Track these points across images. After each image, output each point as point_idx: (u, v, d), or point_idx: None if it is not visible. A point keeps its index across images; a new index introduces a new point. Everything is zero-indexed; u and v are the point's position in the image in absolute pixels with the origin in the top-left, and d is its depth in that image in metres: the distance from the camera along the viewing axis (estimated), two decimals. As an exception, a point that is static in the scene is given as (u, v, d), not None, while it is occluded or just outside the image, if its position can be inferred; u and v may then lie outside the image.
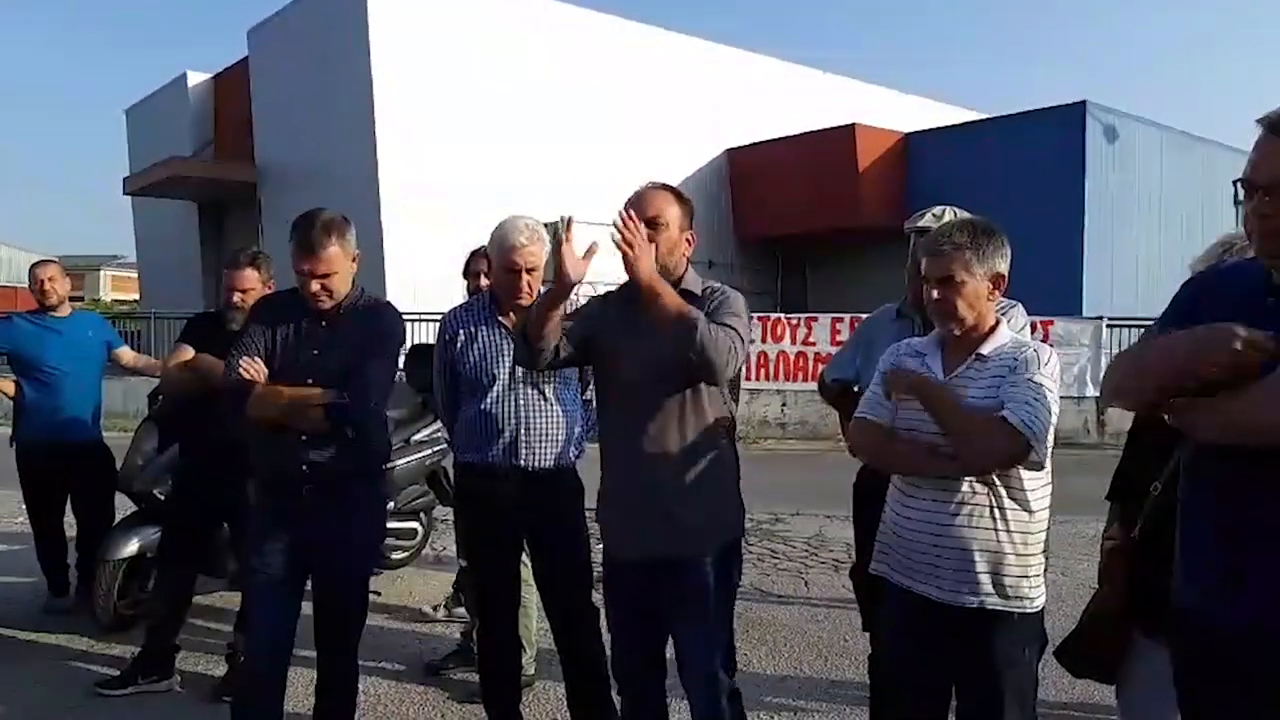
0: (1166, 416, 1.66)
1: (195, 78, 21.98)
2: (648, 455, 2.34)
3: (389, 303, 2.92)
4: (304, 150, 17.68)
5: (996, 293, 2.14)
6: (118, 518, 4.50)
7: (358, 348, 2.75)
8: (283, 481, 2.78)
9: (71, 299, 4.83)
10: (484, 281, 3.49)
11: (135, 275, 28.25)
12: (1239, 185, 1.58)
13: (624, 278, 2.43)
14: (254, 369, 2.73)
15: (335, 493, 2.77)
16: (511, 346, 2.97)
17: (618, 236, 2.15)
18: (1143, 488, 2.28)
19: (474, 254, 3.67)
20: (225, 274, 3.72)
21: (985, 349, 2.12)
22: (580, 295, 2.58)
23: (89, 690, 3.63)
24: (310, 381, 2.71)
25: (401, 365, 3.35)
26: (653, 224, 2.34)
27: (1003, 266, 2.13)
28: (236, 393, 2.71)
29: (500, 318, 3.02)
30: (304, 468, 2.73)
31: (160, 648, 3.71)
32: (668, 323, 2.20)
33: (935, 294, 2.12)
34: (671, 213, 2.38)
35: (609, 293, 2.60)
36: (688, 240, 2.45)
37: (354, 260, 2.78)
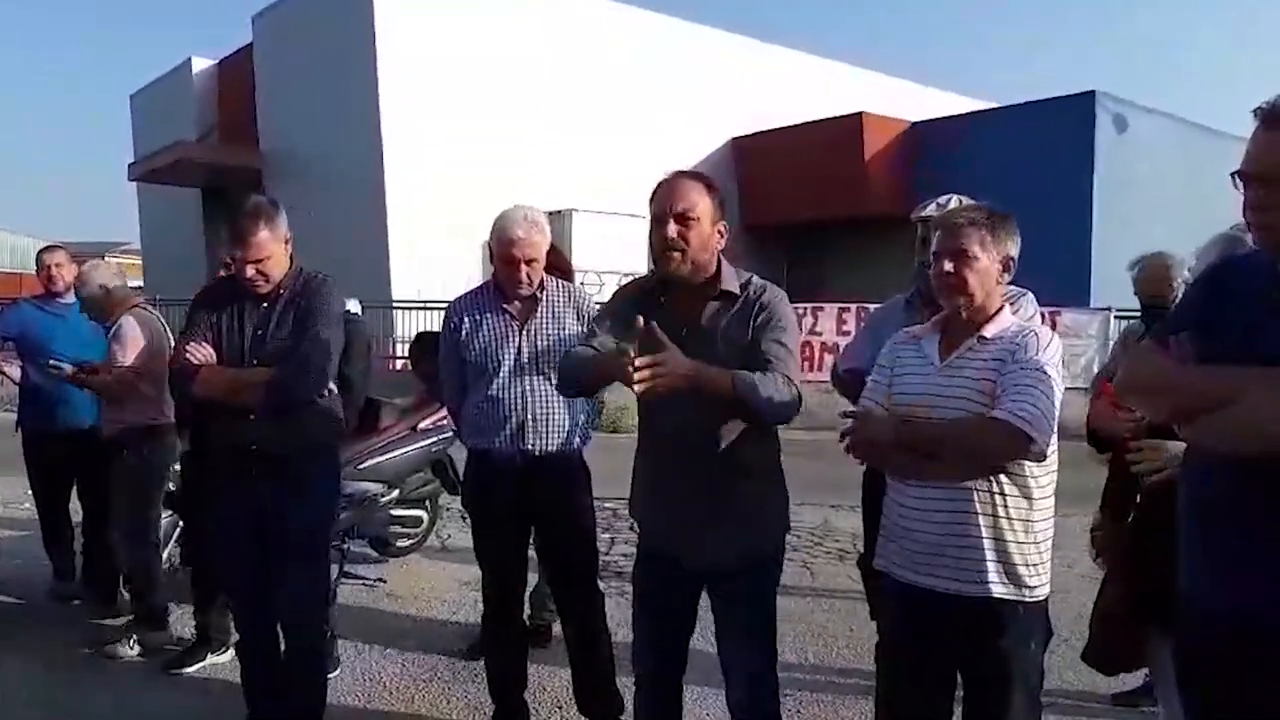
0: (1177, 428, 1.65)
1: (200, 63, 21.96)
2: (694, 453, 2.26)
3: (324, 278, 2.98)
4: (309, 136, 17.66)
5: (1005, 276, 2.13)
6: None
7: (294, 326, 2.85)
8: (232, 461, 2.89)
9: (77, 285, 4.82)
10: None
11: (139, 262, 28.26)
12: (1236, 178, 1.57)
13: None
14: (201, 353, 2.85)
15: (283, 471, 2.85)
16: (517, 333, 2.98)
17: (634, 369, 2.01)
18: (1129, 477, 2.28)
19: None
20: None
21: (988, 331, 2.11)
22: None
23: (93, 672, 3.66)
24: (254, 362, 2.83)
25: (406, 353, 3.37)
26: (683, 219, 2.23)
27: (1014, 250, 2.13)
28: (183, 375, 2.86)
29: (505, 305, 3.01)
30: (252, 447, 2.83)
31: (209, 624, 3.84)
32: (721, 404, 2.16)
33: (948, 266, 2.08)
34: (703, 205, 2.24)
35: (634, 291, 2.49)
36: (720, 232, 2.30)
37: (286, 243, 2.88)
